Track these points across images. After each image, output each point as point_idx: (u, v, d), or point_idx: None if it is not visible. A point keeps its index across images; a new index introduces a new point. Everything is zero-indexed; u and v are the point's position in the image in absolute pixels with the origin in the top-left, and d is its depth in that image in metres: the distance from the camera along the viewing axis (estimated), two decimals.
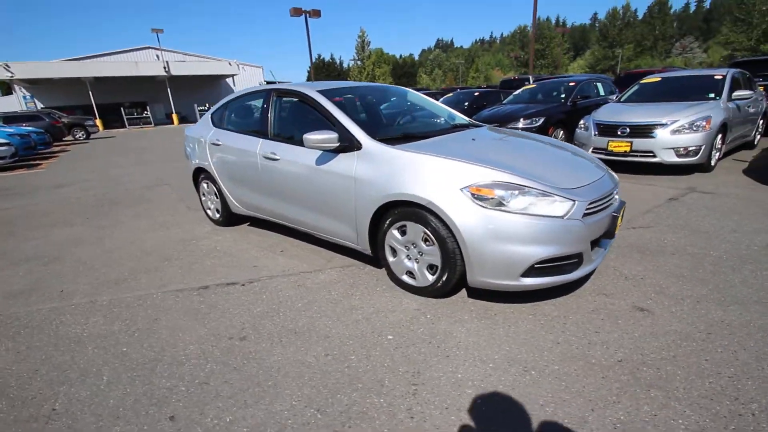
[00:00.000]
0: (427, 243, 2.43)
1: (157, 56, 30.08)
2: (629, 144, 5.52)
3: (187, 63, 29.89)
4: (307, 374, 1.93)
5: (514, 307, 2.42)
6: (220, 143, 3.86)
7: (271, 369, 1.98)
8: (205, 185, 4.29)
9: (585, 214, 2.22)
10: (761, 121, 6.95)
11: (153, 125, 30.60)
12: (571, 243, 2.19)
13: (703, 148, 5.20)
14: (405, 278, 2.65)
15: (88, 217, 5.09)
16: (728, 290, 2.48)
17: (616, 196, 2.61)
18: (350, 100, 3.40)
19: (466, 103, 10.17)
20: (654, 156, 5.37)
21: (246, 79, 35.51)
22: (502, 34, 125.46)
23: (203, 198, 4.44)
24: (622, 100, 6.83)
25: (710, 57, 57.13)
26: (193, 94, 31.56)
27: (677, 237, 3.36)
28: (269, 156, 3.27)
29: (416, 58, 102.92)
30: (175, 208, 5.26)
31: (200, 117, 5.28)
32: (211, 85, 33.51)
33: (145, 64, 28.56)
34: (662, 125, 5.32)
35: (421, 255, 2.50)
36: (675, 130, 5.24)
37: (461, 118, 3.69)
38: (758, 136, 7.04)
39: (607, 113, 6.17)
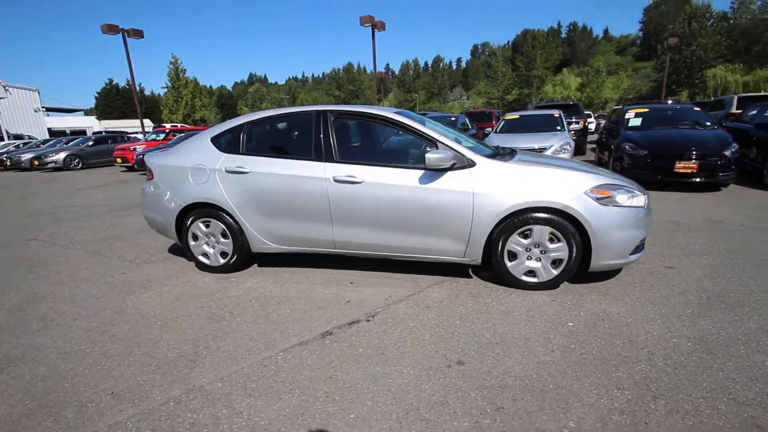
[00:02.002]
0: (553, 241, 2.83)
1: None
2: None
3: None
4: (568, 373, 2.03)
5: (607, 283, 3.05)
6: (245, 170, 3.25)
7: (531, 377, 1.99)
8: (202, 225, 3.45)
9: None
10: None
11: None
12: (649, 225, 2.99)
13: None
14: (524, 278, 2.95)
15: None
16: (692, 248, 3.76)
17: None
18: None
19: None
20: None
21: (15, 104, 27.02)
22: (313, 74, 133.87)
23: (194, 243, 3.53)
24: (498, 131, 8.73)
25: (473, 104, 75.52)
26: None
27: None
28: (345, 179, 3.03)
29: (230, 89, 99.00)
30: (106, 264, 3.90)
31: None
32: None
33: None
34: (545, 149, 7.18)
35: (544, 253, 2.87)
36: (554, 152, 7.15)
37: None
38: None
39: (499, 141, 7.83)
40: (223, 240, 3.46)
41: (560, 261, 2.87)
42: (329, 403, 1.86)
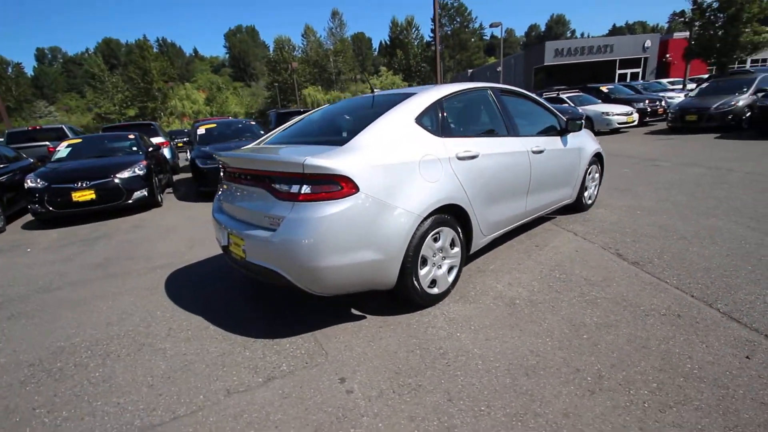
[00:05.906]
0: (595, 171, 4.49)
1: None
2: None
3: None
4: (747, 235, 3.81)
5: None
6: (474, 154, 2.69)
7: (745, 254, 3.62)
8: (431, 241, 2.48)
9: None
10: None
11: None
12: None
13: None
14: (588, 201, 4.45)
15: None
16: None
17: None
18: None
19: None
20: None
21: None
22: None
23: (424, 271, 2.45)
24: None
25: (78, 120, 60.21)
26: None
27: None
28: (537, 149, 3.29)
29: None
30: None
31: None
32: None
33: None
34: None
35: (593, 180, 4.48)
36: None
37: None
38: None
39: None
40: (451, 251, 2.65)
41: (597, 184, 4.59)
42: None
